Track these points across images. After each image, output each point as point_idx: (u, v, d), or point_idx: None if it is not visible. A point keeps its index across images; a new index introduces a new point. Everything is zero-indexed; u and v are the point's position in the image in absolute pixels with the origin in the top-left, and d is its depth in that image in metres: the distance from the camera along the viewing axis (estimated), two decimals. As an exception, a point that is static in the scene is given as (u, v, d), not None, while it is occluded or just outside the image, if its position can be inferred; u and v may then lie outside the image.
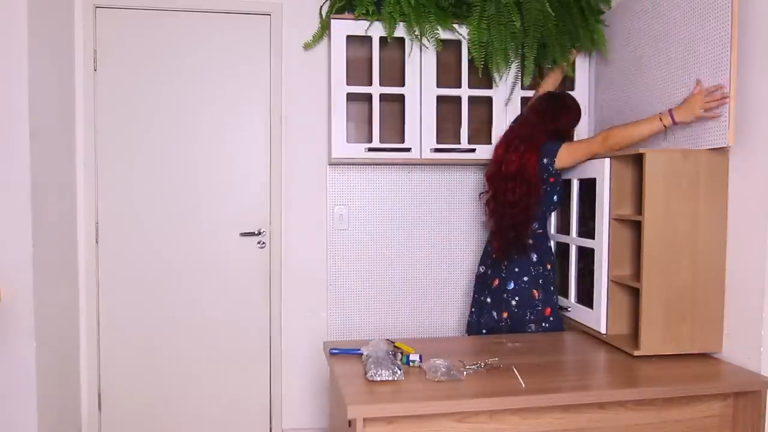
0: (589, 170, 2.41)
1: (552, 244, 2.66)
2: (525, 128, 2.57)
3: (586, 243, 2.44)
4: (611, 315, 2.29)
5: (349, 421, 1.67)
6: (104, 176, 2.98)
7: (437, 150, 2.85)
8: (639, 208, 2.22)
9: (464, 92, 2.86)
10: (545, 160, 2.46)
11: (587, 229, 2.45)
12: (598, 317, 2.33)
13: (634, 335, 2.23)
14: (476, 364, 1.96)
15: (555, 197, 2.55)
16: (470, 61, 2.84)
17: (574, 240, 2.55)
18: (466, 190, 3.20)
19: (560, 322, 2.58)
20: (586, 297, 2.47)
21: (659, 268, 2.07)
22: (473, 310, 2.74)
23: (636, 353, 2.08)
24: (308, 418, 3.15)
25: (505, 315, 2.55)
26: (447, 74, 2.91)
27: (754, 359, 1.96)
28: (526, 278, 2.53)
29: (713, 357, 2.12)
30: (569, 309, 2.56)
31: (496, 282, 2.59)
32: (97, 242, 2.98)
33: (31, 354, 2.47)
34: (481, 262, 2.77)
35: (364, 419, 1.67)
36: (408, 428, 1.74)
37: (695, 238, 2.08)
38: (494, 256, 2.63)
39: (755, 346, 1.96)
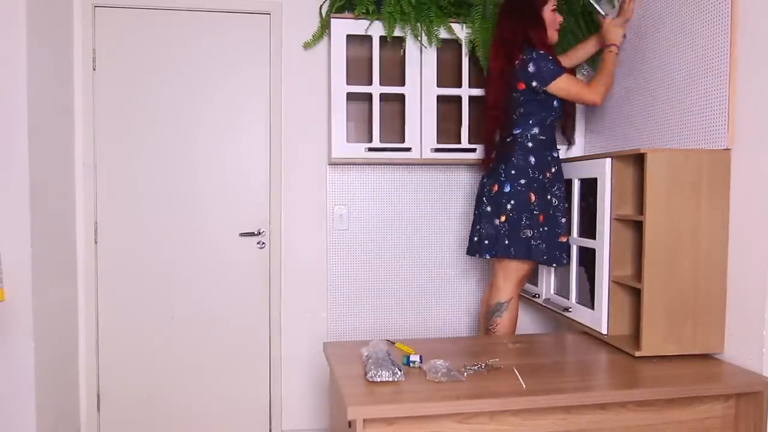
0: (590, 170, 2.41)
1: (557, 154, 2.55)
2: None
3: (587, 243, 2.43)
4: (612, 315, 2.28)
5: (349, 422, 1.67)
6: (103, 176, 2.97)
7: (437, 150, 2.85)
8: (640, 207, 2.21)
9: (464, 92, 2.86)
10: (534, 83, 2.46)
11: (588, 229, 2.45)
12: (599, 318, 2.32)
13: (636, 336, 2.22)
14: (477, 364, 1.96)
15: (555, 102, 2.51)
16: (470, 61, 2.84)
17: (574, 240, 2.54)
18: (466, 190, 3.19)
19: (555, 237, 2.49)
20: (587, 297, 2.46)
21: (661, 269, 2.06)
22: (477, 227, 2.60)
23: (637, 354, 2.08)
24: (308, 419, 3.14)
25: (503, 219, 2.47)
26: (447, 74, 2.91)
27: (756, 360, 1.95)
28: (522, 181, 2.46)
29: (715, 358, 2.11)
30: (570, 309, 2.55)
31: (495, 187, 2.51)
32: (95, 242, 2.97)
33: (29, 354, 2.47)
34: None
35: (364, 420, 1.66)
36: (408, 429, 1.73)
37: (697, 238, 2.07)
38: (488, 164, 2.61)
39: (757, 347, 1.95)
